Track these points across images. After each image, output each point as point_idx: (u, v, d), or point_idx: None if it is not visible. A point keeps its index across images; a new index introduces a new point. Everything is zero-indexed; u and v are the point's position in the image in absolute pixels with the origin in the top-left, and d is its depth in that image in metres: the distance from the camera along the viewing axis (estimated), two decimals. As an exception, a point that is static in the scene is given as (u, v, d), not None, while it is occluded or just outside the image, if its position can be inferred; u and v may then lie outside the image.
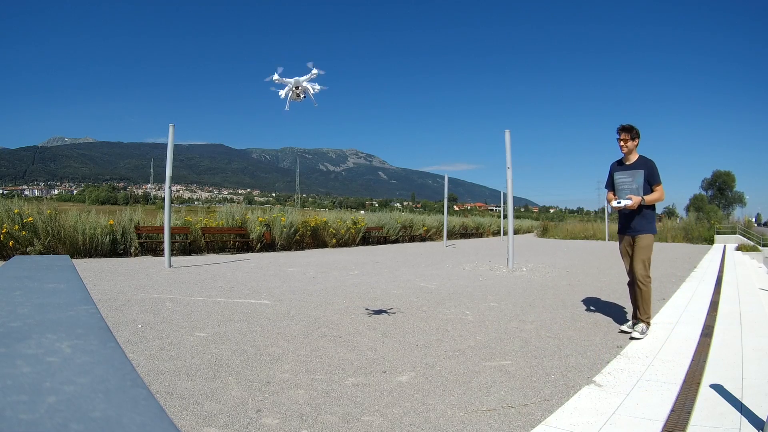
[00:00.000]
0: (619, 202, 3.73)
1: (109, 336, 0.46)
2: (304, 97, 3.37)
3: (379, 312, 4.43)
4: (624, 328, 3.86)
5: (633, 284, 3.84)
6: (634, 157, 3.86)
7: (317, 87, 3.38)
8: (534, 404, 2.34)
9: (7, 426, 0.28)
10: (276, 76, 3.30)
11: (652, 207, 3.83)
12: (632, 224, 3.80)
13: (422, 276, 7.53)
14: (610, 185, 3.98)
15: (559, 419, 2.15)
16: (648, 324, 3.74)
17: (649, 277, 3.76)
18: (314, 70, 3.31)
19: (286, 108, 3.38)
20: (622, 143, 3.83)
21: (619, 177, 3.87)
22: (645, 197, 3.71)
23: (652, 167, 3.77)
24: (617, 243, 4.11)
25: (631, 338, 3.62)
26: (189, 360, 2.96)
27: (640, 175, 3.76)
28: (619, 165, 3.93)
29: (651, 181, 3.75)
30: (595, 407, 2.28)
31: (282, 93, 3.35)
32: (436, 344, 3.44)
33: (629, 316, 4.23)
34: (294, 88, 3.33)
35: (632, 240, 3.83)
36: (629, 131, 3.80)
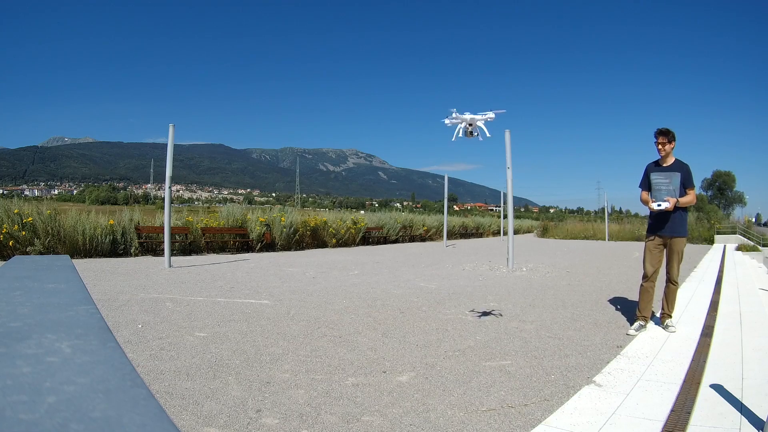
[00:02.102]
0: (659, 205, 3.84)
1: (109, 336, 0.46)
2: (477, 134, 3.53)
3: (485, 314, 4.48)
4: (631, 331, 3.85)
5: (667, 282, 4.02)
6: (671, 160, 3.98)
7: (490, 115, 3.49)
8: (534, 404, 2.34)
9: (7, 426, 0.28)
10: (448, 121, 3.46)
11: (685, 209, 3.98)
12: (668, 226, 3.93)
13: (422, 276, 7.53)
14: (646, 185, 4.09)
15: (559, 419, 2.15)
16: (671, 317, 4.02)
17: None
18: (491, 114, 3.47)
19: (453, 139, 3.58)
20: (660, 146, 3.95)
21: (656, 178, 3.99)
22: (679, 199, 3.85)
23: (688, 170, 3.92)
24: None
25: (669, 332, 3.86)
26: (189, 360, 2.96)
27: (676, 177, 3.89)
28: (656, 166, 4.05)
29: (686, 184, 3.90)
30: (595, 407, 2.28)
31: (457, 131, 3.53)
32: (436, 344, 3.44)
33: (663, 313, 4.23)
34: (468, 125, 3.48)
35: (666, 241, 3.97)
36: (666, 134, 3.92)
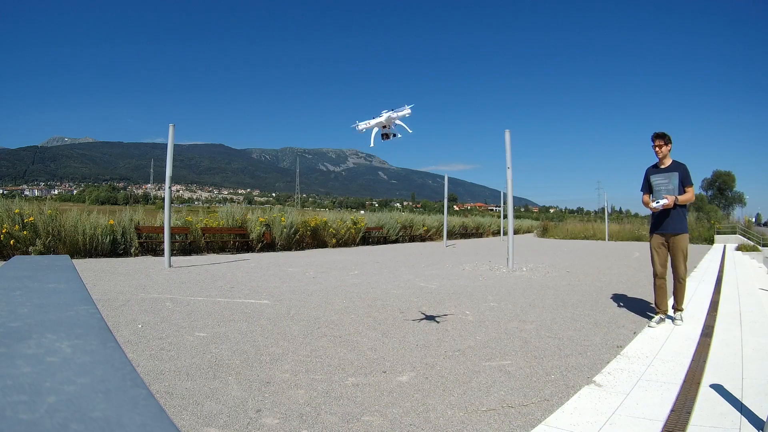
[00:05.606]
0: (657, 202, 4.01)
1: (109, 336, 0.46)
2: (396, 135, 3.30)
3: (429, 318, 4.30)
4: (652, 323, 4.09)
5: (675, 280, 4.16)
6: (668, 161, 4.16)
7: (407, 111, 3.23)
8: (534, 404, 2.34)
9: (7, 426, 0.28)
10: (363, 125, 3.28)
11: (684, 206, 4.14)
12: (668, 223, 4.10)
13: (422, 276, 7.53)
14: (647, 188, 4.27)
15: (559, 419, 2.15)
16: (682, 311, 4.18)
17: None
18: (407, 109, 3.22)
19: (371, 144, 3.35)
20: (657, 149, 4.14)
21: (656, 179, 4.17)
22: (678, 197, 4.02)
23: (685, 170, 4.11)
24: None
25: (676, 325, 4.04)
26: (189, 360, 2.96)
27: (675, 177, 4.07)
28: (655, 168, 4.23)
29: (684, 183, 4.08)
30: (595, 407, 2.28)
31: (374, 134, 3.32)
32: (436, 344, 3.44)
33: (673, 308, 4.36)
34: (382, 127, 3.26)
35: (668, 238, 4.13)
36: (663, 137, 4.12)
